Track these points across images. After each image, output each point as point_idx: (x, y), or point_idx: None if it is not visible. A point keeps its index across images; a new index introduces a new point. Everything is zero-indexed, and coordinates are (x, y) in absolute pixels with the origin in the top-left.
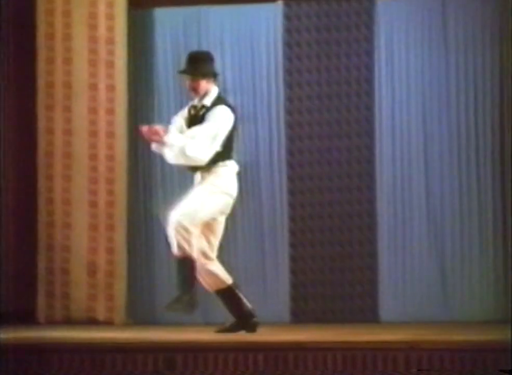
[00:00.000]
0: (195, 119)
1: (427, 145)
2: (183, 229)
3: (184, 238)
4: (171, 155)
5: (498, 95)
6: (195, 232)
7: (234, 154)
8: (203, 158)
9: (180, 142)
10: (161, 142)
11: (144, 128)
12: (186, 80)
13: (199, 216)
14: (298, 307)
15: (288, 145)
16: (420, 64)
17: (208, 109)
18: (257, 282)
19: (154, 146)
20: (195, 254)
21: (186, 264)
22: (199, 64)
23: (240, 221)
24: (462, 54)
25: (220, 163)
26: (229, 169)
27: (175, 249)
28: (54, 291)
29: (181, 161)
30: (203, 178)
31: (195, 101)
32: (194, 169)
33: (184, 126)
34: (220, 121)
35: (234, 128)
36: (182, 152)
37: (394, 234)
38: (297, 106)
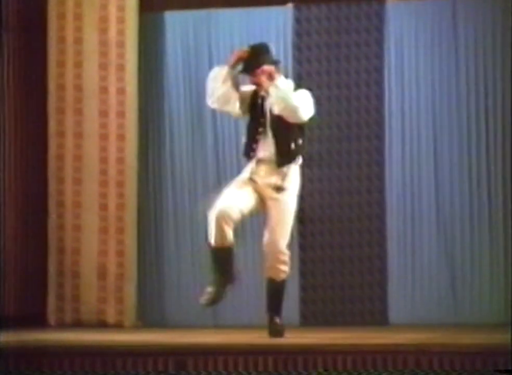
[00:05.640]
0: (260, 106)
1: (437, 147)
2: (283, 254)
3: (285, 262)
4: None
5: (509, 97)
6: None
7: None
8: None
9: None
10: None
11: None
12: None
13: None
14: (308, 309)
15: None
16: (430, 66)
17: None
18: None
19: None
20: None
21: (281, 287)
22: (253, 57)
23: (250, 223)
24: (472, 56)
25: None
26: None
27: (279, 275)
28: (64, 294)
29: (284, 104)
30: (286, 175)
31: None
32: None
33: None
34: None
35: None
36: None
37: (403, 236)
38: None
